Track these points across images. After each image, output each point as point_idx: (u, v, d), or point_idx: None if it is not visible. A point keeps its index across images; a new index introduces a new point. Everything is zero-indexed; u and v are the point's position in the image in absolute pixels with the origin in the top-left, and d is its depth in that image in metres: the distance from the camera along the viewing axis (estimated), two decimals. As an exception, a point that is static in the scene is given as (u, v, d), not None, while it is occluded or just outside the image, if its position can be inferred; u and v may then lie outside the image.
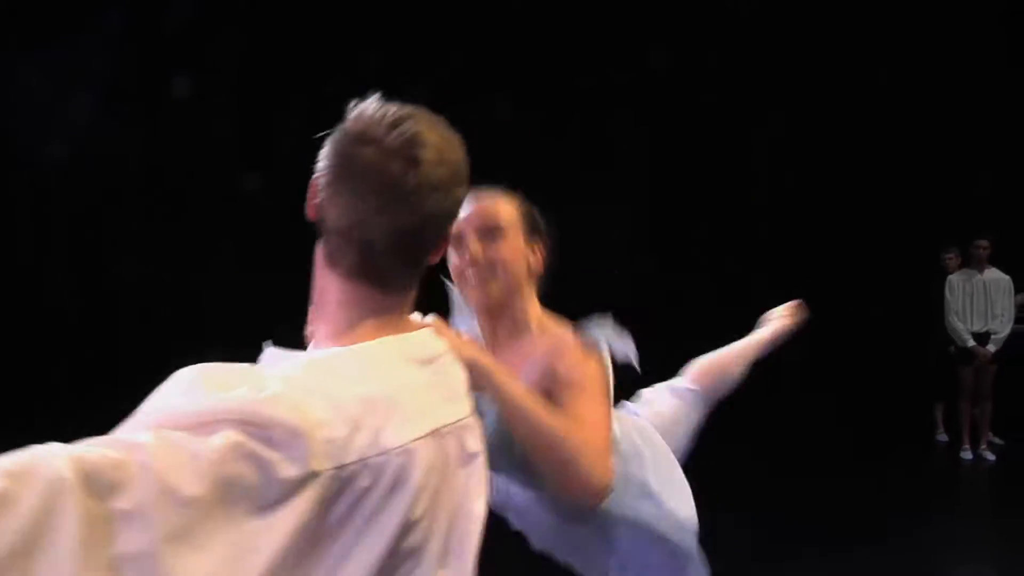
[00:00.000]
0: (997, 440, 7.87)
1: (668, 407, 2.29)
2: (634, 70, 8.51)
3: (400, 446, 1.09)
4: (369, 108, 1.18)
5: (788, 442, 7.45)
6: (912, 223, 8.54)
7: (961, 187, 8.58)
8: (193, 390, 1.01)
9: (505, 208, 1.92)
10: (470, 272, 1.88)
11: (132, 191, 8.07)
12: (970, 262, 7.54)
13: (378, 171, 1.15)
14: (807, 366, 8.83)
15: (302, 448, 0.99)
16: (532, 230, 1.94)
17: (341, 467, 1.03)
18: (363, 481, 1.05)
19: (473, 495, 1.21)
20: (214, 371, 1.03)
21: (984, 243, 7.45)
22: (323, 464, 1.01)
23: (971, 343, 7.46)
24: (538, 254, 1.93)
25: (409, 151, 1.14)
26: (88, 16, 7.61)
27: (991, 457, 7.54)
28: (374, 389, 1.10)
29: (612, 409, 1.79)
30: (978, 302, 7.47)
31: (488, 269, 1.86)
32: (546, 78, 8.40)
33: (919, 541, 5.41)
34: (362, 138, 1.16)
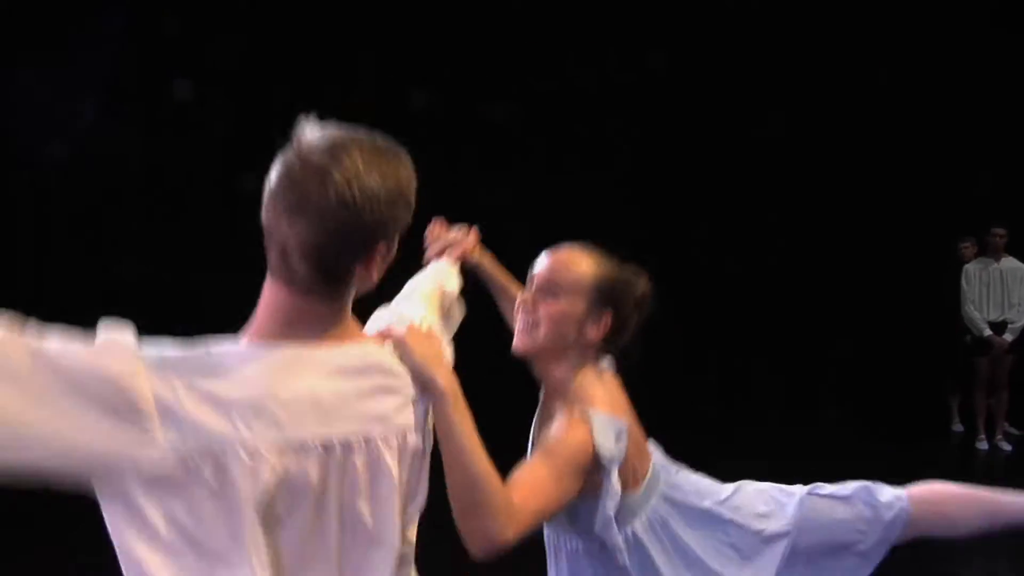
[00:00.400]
0: (1013, 430, 7.82)
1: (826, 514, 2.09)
2: (634, 70, 8.49)
3: (250, 447, 1.20)
4: (313, 128, 1.32)
5: (802, 432, 7.40)
6: (924, 214, 8.50)
7: (973, 176, 8.56)
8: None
9: (576, 269, 1.92)
10: (519, 314, 1.94)
11: (132, 191, 8.05)
12: (987, 250, 7.48)
13: (295, 183, 1.27)
14: (821, 358, 8.78)
15: (147, 421, 1.16)
16: (604, 300, 1.91)
17: (182, 450, 1.17)
18: (206, 470, 1.18)
19: (383, 507, 1.31)
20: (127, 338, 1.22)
21: (1001, 231, 7.39)
22: (161, 440, 1.17)
23: (987, 332, 7.39)
24: (602, 326, 1.91)
25: (324, 169, 1.26)
26: (88, 17, 7.58)
27: (1007, 447, 7.51)
28: (246, 393, 1.21)
29: (569, 485, 1.76)
30: (995, 291, 7.40)
31: (533, 321, 1.90)
32: (545, 78, 8.39)
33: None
34: (295, 152, 1.29)
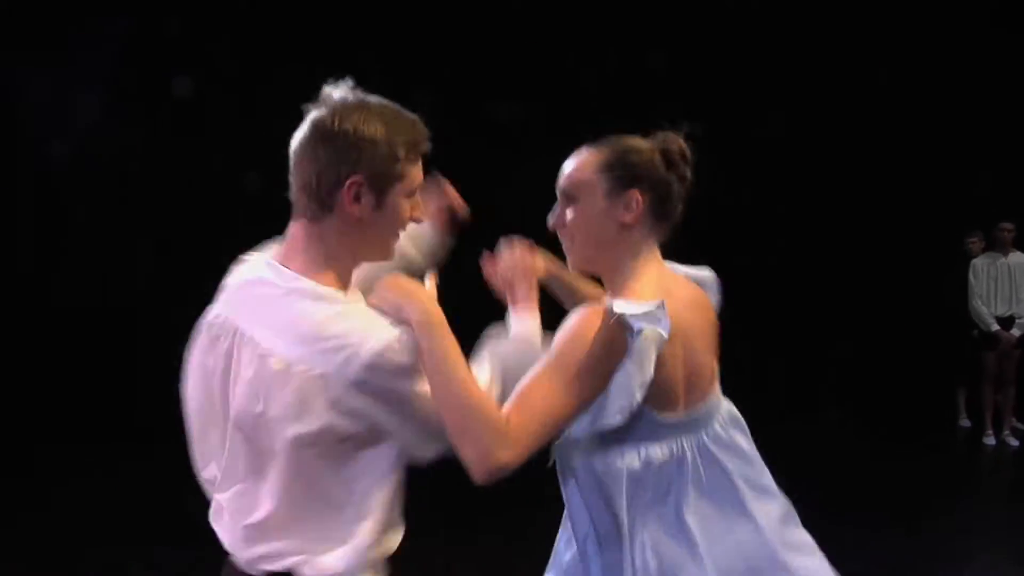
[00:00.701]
0: (1020, 425, 7.80)
1: None
2: (634, 70, 8.48)
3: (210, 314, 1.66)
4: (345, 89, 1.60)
5: (809, 428, 7.40)
6: (928, 211, 8.49)
7: (974, 175, 8.53)
8: None
9: (581, 168, 1.76)
10: (561, 239, 1.81)
11: (134, 190, 8.06)
12: (994, 245, 7.46)
13: (306, 119, 1.58)
14: (822, 358, 8.77)
15: None
16: (622, 180, 1.74)
17: None
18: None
19: (239, 400, 1.53)
20: None
21: (1009, 226, 7.38)
22: None
23: (995, 327, 7.37)
24: (635, 206, 1.72)
25: (325, 103, 1.57)
26: (90, 16, 7.59)
27: (1014, 443, 7.48)
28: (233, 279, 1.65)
29: (578, 386, 1.55)
30: (1002, 286, 7.39)
31: (567, 236, 1.77)
32: (545, 78, 8.39)
33: (941, 526, 5.39)
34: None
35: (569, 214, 1.75)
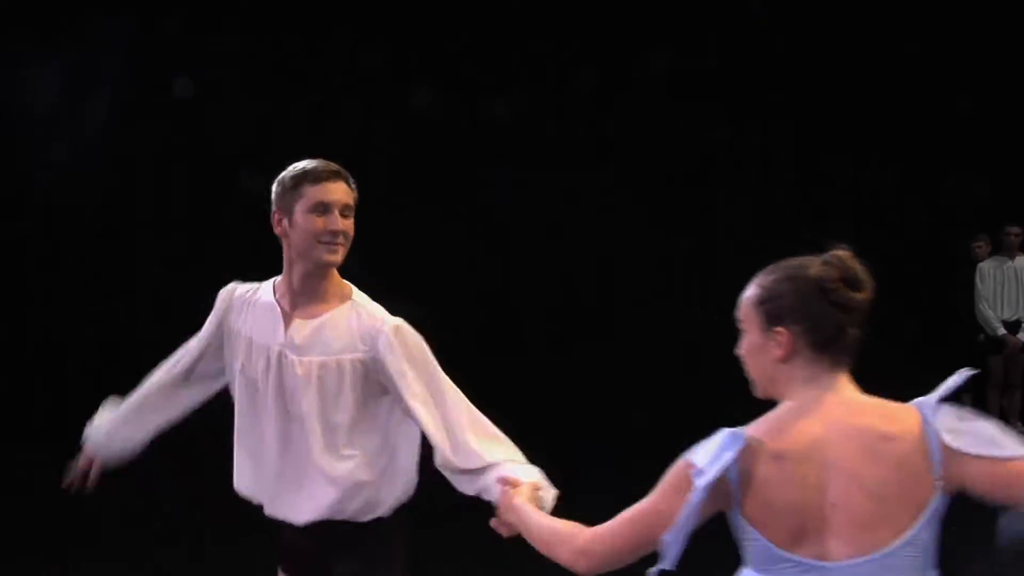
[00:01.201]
0: (1026, 430, 7.74)
1: None
2: (636, 69, 8.47)
3: None
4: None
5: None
6: (938, 212, 8.46)
7: (984, 173, 8.48)
8: None
9: (745, 301, 1.77)
10: None
11: (135, 190, 8.04)
12: (1001, 249, 7.45)
13: None
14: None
15: None
16: (769, 318, 1.72)
17: None
18: None
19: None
20: None
21: (1016, 230, 7.36)
22: None
23: (1001, 331, 7.35)
24: (783, 343, 1.69)
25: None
26: (91, 16, 7.58)
27: (1020, 448, 7.41)
28: None
29: (659, 506, 1.66)
30: (1009, 290, 7.38)
31: (744, 364, 1.80)
32: (544, 78, 8.37)
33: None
34: None
35: (743, 343, 1.78)
